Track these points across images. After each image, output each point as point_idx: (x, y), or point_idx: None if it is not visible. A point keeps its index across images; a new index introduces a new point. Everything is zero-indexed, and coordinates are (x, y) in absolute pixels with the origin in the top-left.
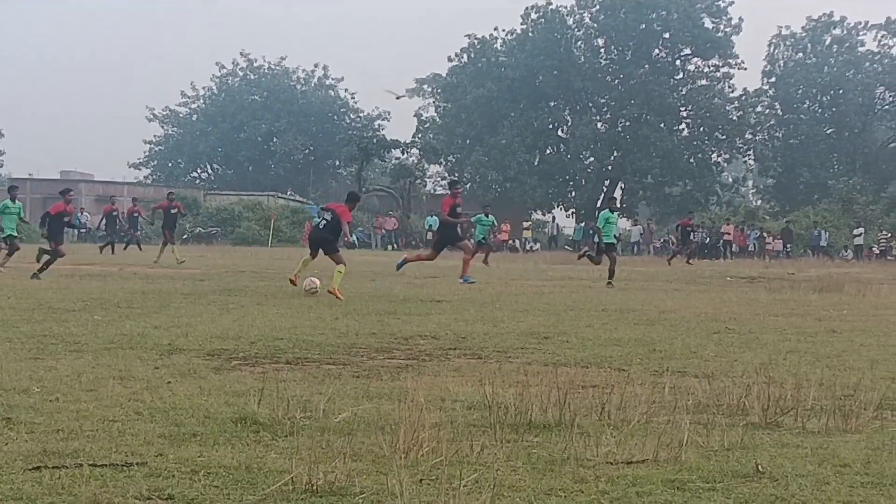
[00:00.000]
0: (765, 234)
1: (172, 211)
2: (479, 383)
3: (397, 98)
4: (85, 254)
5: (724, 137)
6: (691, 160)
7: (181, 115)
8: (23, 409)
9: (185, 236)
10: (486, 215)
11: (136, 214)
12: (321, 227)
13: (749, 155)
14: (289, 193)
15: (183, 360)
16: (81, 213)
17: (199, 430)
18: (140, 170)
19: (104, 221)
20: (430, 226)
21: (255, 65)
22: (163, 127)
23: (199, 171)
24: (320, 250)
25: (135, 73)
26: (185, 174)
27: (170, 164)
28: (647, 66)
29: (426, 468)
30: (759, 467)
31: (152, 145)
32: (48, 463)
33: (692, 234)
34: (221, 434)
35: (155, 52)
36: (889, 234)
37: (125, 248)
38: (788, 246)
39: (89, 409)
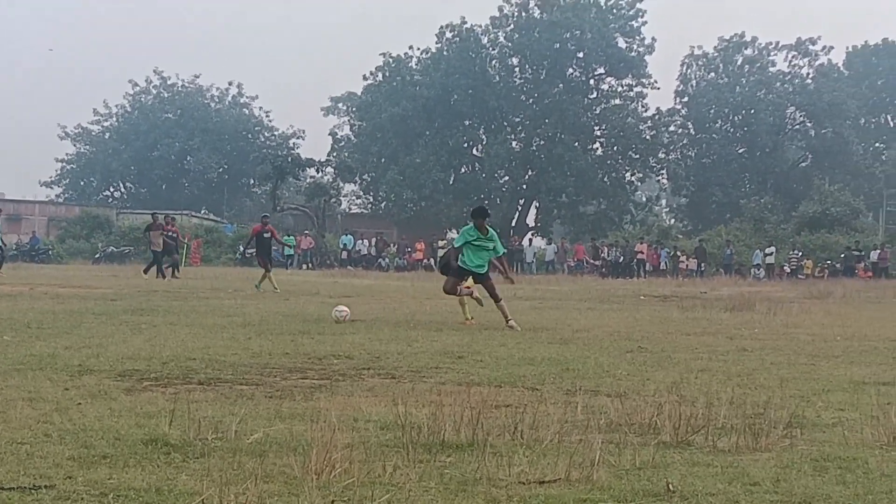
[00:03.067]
0: (678, 253)
1: (266, 235)
2: (393, 403)
3: None
4: None
5: (637, 156)
6: (605, 179)
7: (94, 133)
8: None
9: (96, 255)
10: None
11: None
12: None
13: (662, 174)
14: (203, 212)
15: (94, 381)
16: None
17: (110, 452)
18: (52, 188)
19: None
20: (345, 245)
21: (168, 83)
22: (75, 145)
23: (111, 189)
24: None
25: (45, 90)
26: (97, 193)
27: (82, 183)
28: (561, 85)
29: (338, 489)
30: (671, 486)
31: (64, 163)
32: None
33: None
34: (132, 456)
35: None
36: (800, 253)
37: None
38: (702, 265)
39: None
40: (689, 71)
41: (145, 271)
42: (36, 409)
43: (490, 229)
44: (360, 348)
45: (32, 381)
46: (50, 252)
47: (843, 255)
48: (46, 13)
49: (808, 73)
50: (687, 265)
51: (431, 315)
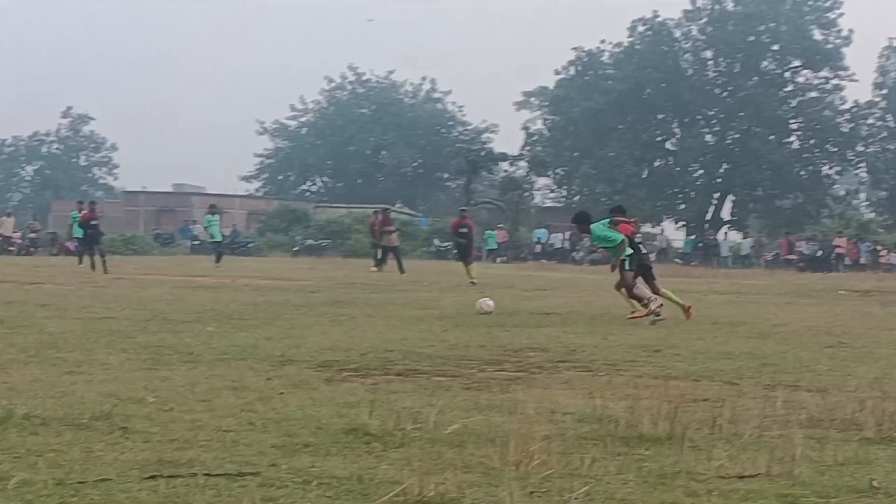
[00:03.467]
0: (878, 248)
1: (462, 230)
2: (589, 396)
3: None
4: (197, 265)
5: (835, 150)
6: (802, 172)
7: (291, 129)
8: (138, 419)
9: (295, 248)
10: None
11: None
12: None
13: (861, 167)
14: (398, 206)
15: (295, 371)
16: (194, 226)
17: (312, 441)
18: (251, 182)
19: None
20: (539, 238)
21: (363, 78)
22: (273, 140)
23: (308, 183)
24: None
25: (245, 86)
26: (294, 187)
27: (280, 177)
28: (756, 77)
29: (537, 480)
30: (875, 483)
31: (263, 158)
32: (163, 472)
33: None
34: (333, 445)
35: (264, 66)
36: None
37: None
38: None
39: (203, 420)
40: (887, 62)
41: (378, 265)
42: (240, 398)
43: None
44: (555, 341)
45: (236, 370)
46: (250, 245)
47: None
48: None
49: None
50: (888, 259)
51: (626, 308)
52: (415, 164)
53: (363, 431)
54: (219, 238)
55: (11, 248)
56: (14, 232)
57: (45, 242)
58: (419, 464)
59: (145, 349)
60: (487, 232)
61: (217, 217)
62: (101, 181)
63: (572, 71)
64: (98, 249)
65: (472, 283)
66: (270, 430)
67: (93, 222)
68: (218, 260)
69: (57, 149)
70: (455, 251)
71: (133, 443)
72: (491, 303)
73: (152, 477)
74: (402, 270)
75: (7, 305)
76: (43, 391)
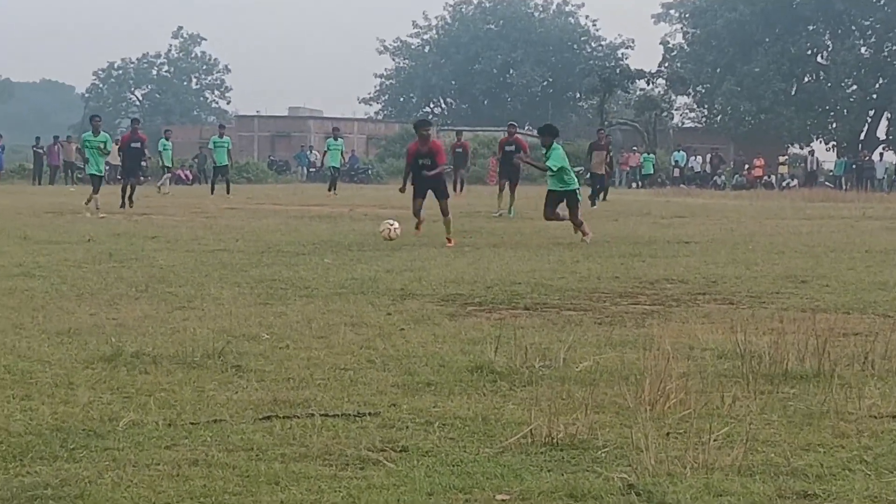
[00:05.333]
0: None
1: (508, 148)
2: (731, 330)
3: None
4: (314, 194)
5: None
6: None
7: (413, 47)
8: (252, 357)
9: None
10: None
11: (459, 150)
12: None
13: None
14: (527, 128)
15: (416, 305)
16: (310, 152)
17: (434, 380)
18: (370, 105)
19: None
20: (678, 161)
21: None
22: (394, 59)
23: (431, 105)
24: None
25: (364, 3)
26: (417, 109)
27: (401, 99)
28: None
29: (674, 421)
30: None
31: (383, 79)
32: (279, 412)
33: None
34: (457, 383)
35: None
36: None
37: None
38: None
39: (320, 357)
40: None
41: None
42: (358, 335)
43: (553, 145)
44: (694, 272)
45: (354, 305)
46: (369, 172)
47: None
48: None
49: None
50: None
51: (772, 236)
52: (545, 83)
53: (488, 369)
54: (336, 164)
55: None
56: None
57: (155, 171)
58: (548, 403)
59: (259, 283)
60: (646, 155)
61: (341, 142)
62: (214, 105)
63: None
64: (131, 182)
65: (501, 214)
66: (390, 368)
67: (133, 145)
68: (331, 188)
69: (167, 71)
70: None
71: (247, 382)
72: (396, 226)
73: (267, 417)
74: (600, 199)
75: (116, 237)
76: (153, 328)
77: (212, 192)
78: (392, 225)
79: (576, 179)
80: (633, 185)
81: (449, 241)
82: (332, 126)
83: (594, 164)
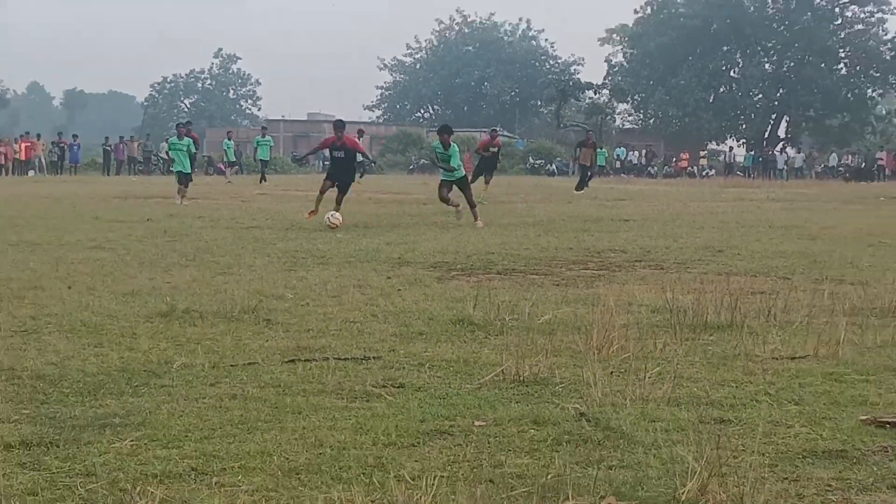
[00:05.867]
0: None
1: (493, 149)
2: (662, 290)
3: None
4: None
5: (878, 75)
6: (848, 95)
7: (406, 64)
8: (279, 313)
9: (410, 167)
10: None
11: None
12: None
13: None
14: (499, 129)
15: (410, 271)
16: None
17: (425, 330)
18: (373, 111)
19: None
20: (619, 155)
21: (468, 20)
22: (391, 74)
23: (422, 111)
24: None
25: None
26: (410, 115)
27: (398, 106)
28: (809, 13)
29: (616, 362)
30: None
31: (383, 90)
32: (300, 357)
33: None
34: (443, 333)
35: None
36: None
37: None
38: None
39: (333, 312)
40: None
41: (578, 188)
42: (364, 294)
43: (451, 144)
44: (632, 243)
45: (360, 271)
46: (373, 164)
47: None
48: None
49: None
50: None
51: (694, 215)
52: (512, 93)
53: (468, 322)
54: (266, 158)
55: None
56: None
57: (200, 164)
58: (516, 349)
59: (285, 254)
60: (599, 151)
61: (269, 139)
62: (247, 111)
63: (649, 10)
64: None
65: (481, 202)
66: (390, 320)
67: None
68: (262, 179)
69: (210, 84)
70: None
71: (275, 332)
72: (338, 216)
73: (291, 361)
74: (582, 187)
75: (170, 217)
76: (199, 289)
77: (262, 181)
78: (334, 216)
79: (462, 169)
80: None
81: (309, 214)
82: (263, 126)
83: (581, 157)
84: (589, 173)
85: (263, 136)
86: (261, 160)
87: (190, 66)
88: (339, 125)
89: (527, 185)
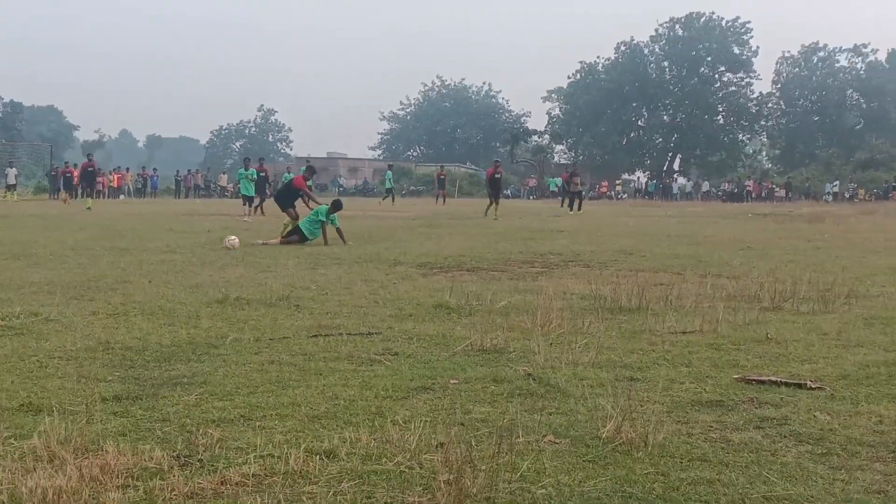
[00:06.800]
0: (774, 187)
1: (497, 176)
2: (588, 283)
3: None
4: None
5: (746, 123)
6: (725, 139)
7: (400, 115)
8: (306, 300)
9: (403, 192)
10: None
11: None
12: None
13: (763, 135)
14: (467, 164)
15: (403, 269)
16: (340, 178)
17: (413, 312)
18: (375, 150)
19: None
20: (556, 184)
21: (445, 83)
22: (388, 123)
23: (411, 151)
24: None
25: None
26: (403, 153)
27: (393, 147)
28: (696, 78)
29: (555, 336)
30: (769, 335)
31: (382, 135)
32: (322, 332)
33: (569, 185)
34: (427, 315)
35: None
36: (855, 185)
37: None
38: (789, 193)
39: (346, 300)
40: (781, 67)
41: (570, 205)
42: (368, 286)
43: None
44: (566, 248)
45: (366, 269)
46: (374, 190)
47: (885, 185)
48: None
49: (861, 67)
50: (779, 194)
51: (612, 227)
52: (478, 137)
53: (445, 307)
54: (390, 186)
55: (227, 194)
56: (227, 184)
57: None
58: (480, 326)
59: (309, 256)
60: (549, 179)
61: (390, 174)
62: (282, 151)
63: (578, 76)
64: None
65: (495, 219)
66: (388, 306)
67: (260, 174)
68: (391, 199)
69: (253, 131)
70: (489, 192)
71: (302, 314)
72: (235, 240)
73: (315, 336)
74: (578, 208)
75: (225, 230)
76: (246, 283)
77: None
78: (232, 239)
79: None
80: (531, 197)
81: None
82: (306, 162)
83: (573, 184)
84: (578, 198)
85: (289, 171)
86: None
87: (239, 118)
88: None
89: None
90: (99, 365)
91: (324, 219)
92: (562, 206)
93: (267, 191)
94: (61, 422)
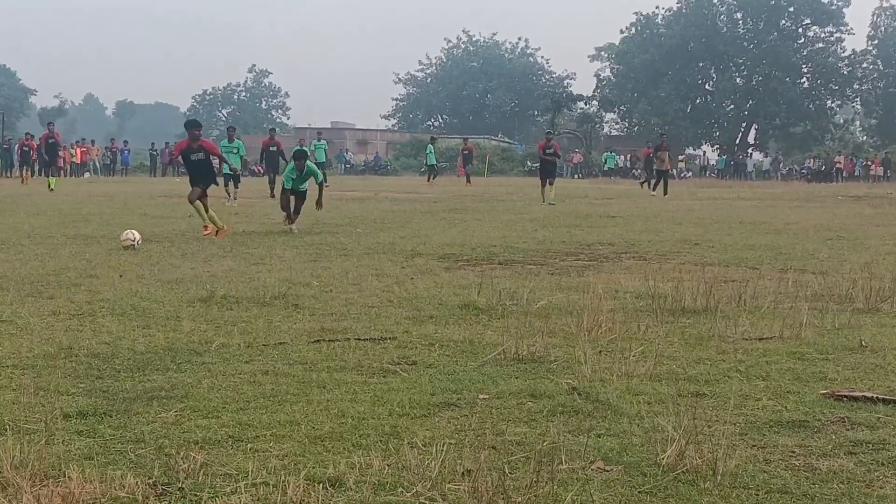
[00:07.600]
0: (869, 163)
1: (549, 151)
2: (644, 279)
3: None
4: (349, 183)
5: (836, 88)
6: (810, 106)
7: (419, 78)
8: (306, 298)
9: (422, 169)
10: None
11: (466, 152)
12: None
13: (857, 101)
14: (499, 136)
15: (422, 261)
16: (347, 153)
17: (435, 314)
18: (389, 120)
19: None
20: (606, 160)
21: (473, 39)
22: (405, 87)
23: (432, 120)
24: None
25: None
26: (421, 123)
27: (411, 116)
28: (775, 33)
29: (604, 342)
30: (863, 342)
31: (397, 101)
32: (325, 337)
33: (654, 162)
34: (451, 316)
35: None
36: None
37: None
38: (888, 172)
39: (354, 298)
40: (878, 19)
41: (653, 187)
42: (381, 282)
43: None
44: (619, 237)
45: (378, 261)
46: (388, 167)
47: None
48: None
49: None
50: (876, 172)
51: (673, 212)
52: (512, 104)
53: (473, 306)
54: (433, 163)
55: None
56: None
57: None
58: (515, 330)
59: (311, 246)
60: (606, 155)
61: (431, 148)
62: (278, 120)
63: (633, 31)
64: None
65: (550, 203)
66: (404, 305)
67: (271, 148)
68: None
69: (244, 96)
70: (539, 169)
71: (302, 316)
72: (134, 235)
73: (317, 341)
74: (664, 192)
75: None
76: (236, 277)
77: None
78: (131, 235)
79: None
80: (576, 176)
81: (206, 228)
82: (318, 131)
83: (658, 160)
84: (664, 178)
85: (319, 139)
86: (316, 163)
87: (227, 80)
88: (195, 125)
89: (524, 185)
90: (60, 375)
91: (293, 176)
92: (642, 187)
93: (279, 169)
94: (16, 443)
